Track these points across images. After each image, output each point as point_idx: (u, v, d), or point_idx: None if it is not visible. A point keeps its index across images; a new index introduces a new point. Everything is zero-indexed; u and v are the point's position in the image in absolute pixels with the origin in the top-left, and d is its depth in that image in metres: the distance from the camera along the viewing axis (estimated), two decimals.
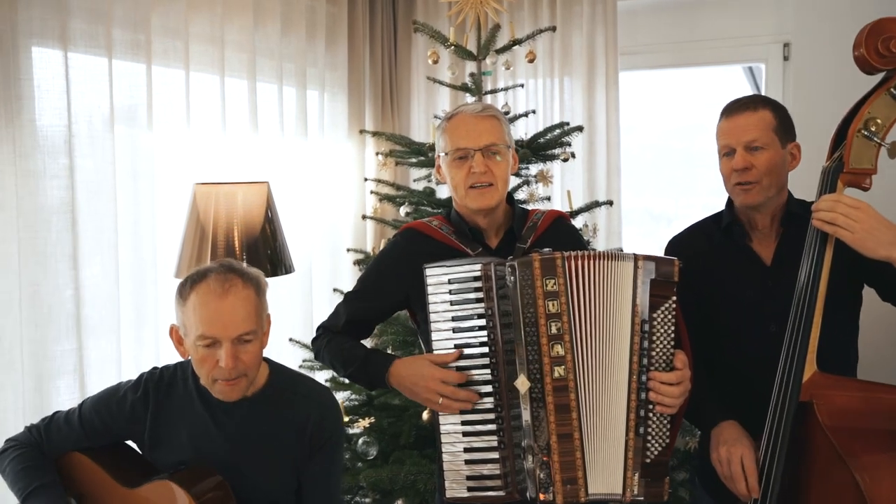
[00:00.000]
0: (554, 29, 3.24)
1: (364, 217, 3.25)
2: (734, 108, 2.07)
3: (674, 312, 1.84)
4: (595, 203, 3.33)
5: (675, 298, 1.83)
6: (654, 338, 1.85)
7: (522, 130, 3.62)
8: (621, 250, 2.40)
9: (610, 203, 3.32)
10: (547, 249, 1.89)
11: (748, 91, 4.34)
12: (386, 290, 2.17)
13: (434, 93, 4.33)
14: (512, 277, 1.86)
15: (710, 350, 2.11)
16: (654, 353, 1.85)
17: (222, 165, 3.39)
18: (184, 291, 1.92)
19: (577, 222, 3.34)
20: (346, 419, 3.07)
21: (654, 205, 4.73)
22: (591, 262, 1.84)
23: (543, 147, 3.14)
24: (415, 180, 3.76)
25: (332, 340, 2.18)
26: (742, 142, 2.02)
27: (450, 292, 1.93)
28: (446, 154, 2.08)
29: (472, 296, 1.91)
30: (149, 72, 3.03)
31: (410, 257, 2.08)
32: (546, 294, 1.84)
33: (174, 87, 3.18)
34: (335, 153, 4.15)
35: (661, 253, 2.18)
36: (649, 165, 4.69)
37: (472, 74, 3.15)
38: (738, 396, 2.08)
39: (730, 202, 2.17)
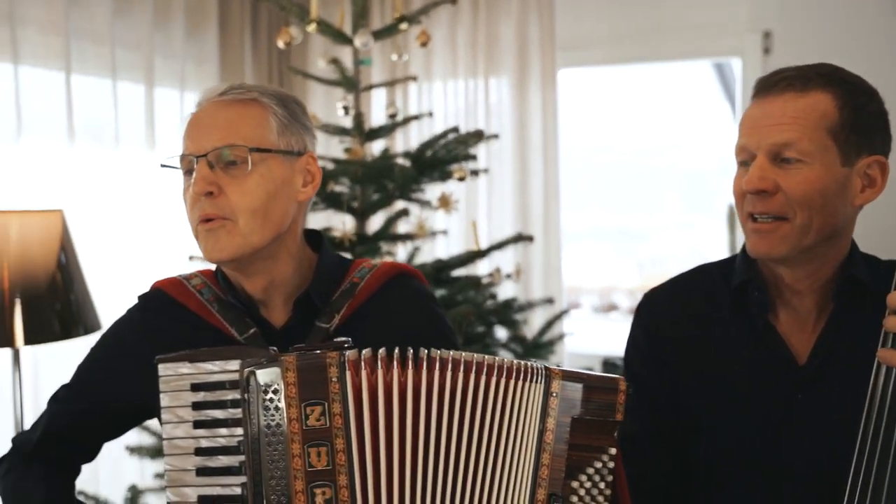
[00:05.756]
0: (454, 1, 2.39)
1: (191, 258, 2.32)
2: (769, 86, 1.19)
3: (610, 478, 1.03)
4: (516, 238, 2.46)
5: (615, 451, 1.03)
6: None
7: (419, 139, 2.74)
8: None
9: (530, 238, 2.43)
10: (341, 340, 1.08)
11: (718, 94, 3.52)
12: (109, 387, 1.30)
13: (332, 95, 3.42)
14: (250, 395, 1.03)
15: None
16: None
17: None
18: None
19: (486, 265, 2.48)
20: None
21: (627, 222, 4.25)
22: (431, 376, 1.05)
23: (437, 163, 2.28)
24: None
25: (10, 471, 1.31)
26: (765, 144, 1.16)
27: (193, 406, 1.11)
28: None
29: (226, 416, 1.10)
30: None
31: (151, 336, 1.27)
32: (307, 434, 1.00)
33: None
34: None
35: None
36: (619, 180, 4.22)
37: (333, 61, 2.28)
38: None
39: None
